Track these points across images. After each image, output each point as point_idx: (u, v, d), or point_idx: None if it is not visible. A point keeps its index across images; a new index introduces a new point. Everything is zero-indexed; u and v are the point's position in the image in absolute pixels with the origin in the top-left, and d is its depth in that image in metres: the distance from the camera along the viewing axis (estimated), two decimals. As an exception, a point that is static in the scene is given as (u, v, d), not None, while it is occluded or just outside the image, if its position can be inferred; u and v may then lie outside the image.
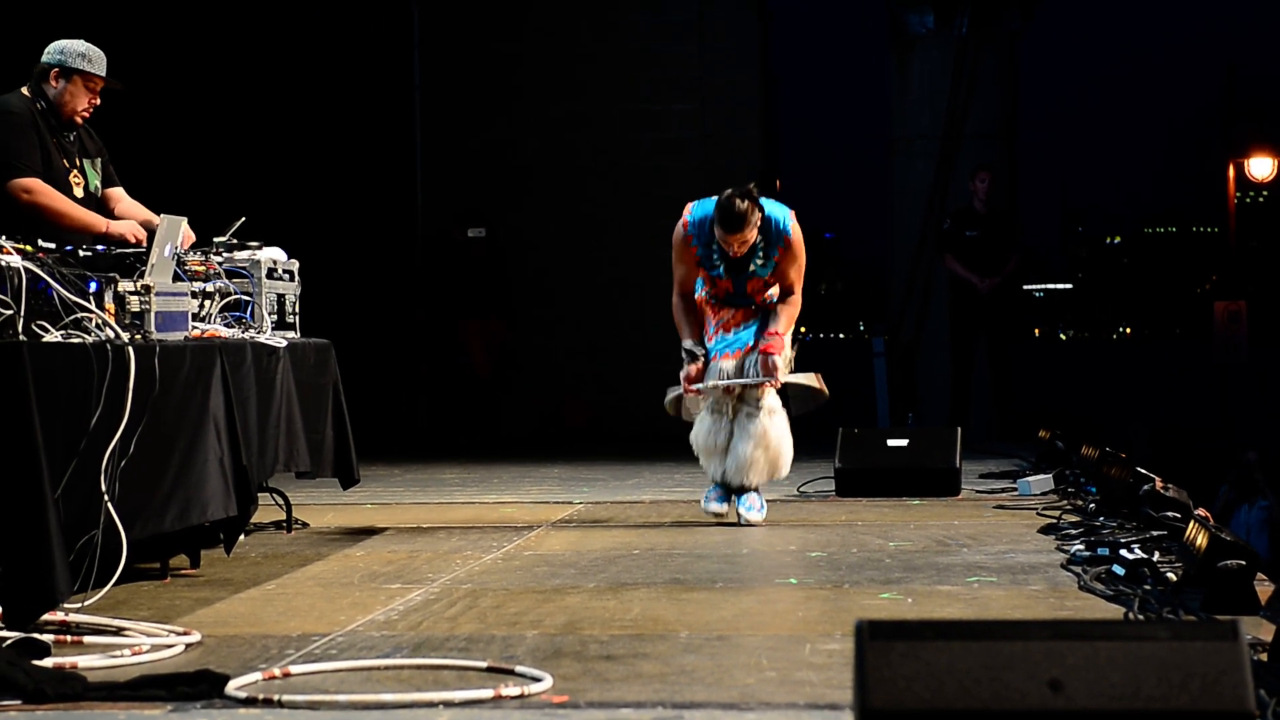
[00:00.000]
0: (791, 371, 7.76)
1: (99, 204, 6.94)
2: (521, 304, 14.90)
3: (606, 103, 15.22)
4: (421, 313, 14.92)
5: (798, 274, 7.62)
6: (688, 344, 7.66)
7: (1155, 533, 6.28)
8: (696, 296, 7.72)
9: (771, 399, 7.65)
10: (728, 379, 7.56)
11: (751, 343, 7.60)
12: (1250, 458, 13.77)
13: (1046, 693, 2.74)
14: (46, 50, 6.83)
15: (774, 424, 7.63)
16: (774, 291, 7.63)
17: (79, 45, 6.81)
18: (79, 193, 6.87)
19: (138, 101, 12.18)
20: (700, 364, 7.61)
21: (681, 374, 7.64)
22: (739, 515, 7.62)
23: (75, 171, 6.88)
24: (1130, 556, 5.62)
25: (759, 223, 7.37)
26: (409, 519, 7.98)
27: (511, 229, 14.91)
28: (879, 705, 2.76)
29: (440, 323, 14.72)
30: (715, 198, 7.44)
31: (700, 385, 7.60)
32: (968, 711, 2.75)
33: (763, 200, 7.46)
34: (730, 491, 7.68)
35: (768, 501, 7.81)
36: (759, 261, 7.51)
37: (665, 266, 14.77)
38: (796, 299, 7.67)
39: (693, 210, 7.56)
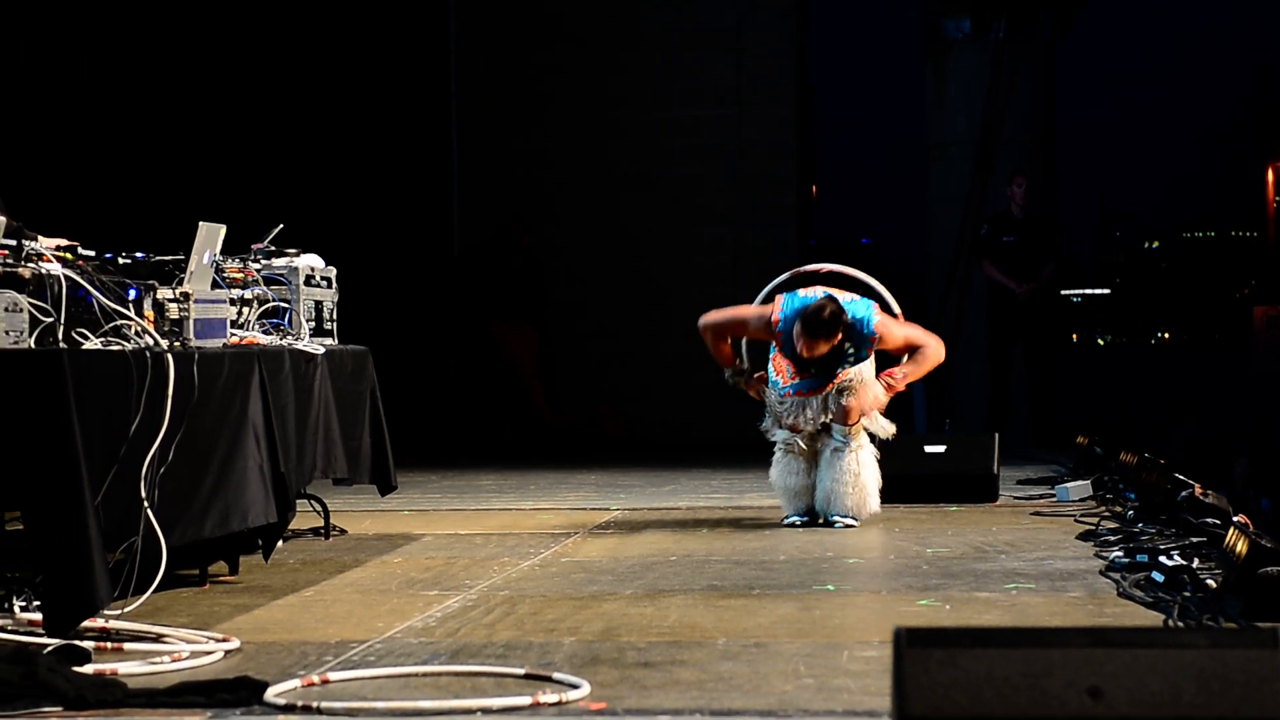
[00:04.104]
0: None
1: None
2: (555, 312, 14.92)
3: (642, 111, 15.23)
4: (459, 319, 14.94)
5: (913, 334, 7.71)
6: (729, 373, 7.78)
7: (1194, 539, 6.25)
8: (773, 356, 7.74)
9: (862, 436, 7.74)
10: (813, 417, 7.65)
11: (827, 381, 7.64)
12: (1241, 466, 13.65)
13: (1086, 700, 2.73)
14: None
15: (863, 461, 7.73)
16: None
17: None
18: None
19: (178, 109, 12.27)
20: (755, 382, 7.75)
21: (774, 411, 7.71)
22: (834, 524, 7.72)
23: None
24: (1169, 563, 5.60)
25: (838, 340, 7.45)
26: (446, 525, 7.99)
27: (546, 237, 14.93)
28: (917, 712, 2.76)
29: (478, 330, 14.75)
30: (805, 298, 7.50)
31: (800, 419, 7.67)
32: (1006, 718, 2.74)
33: (847, 302, 7.53)
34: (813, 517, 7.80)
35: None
36: (849, 363, 7.63)
37: (700, 274, 14.83)
38: (930, 351, 7.68)
39: (783, 305, 7.58)
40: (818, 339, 7.39)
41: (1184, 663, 2.74)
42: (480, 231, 15.04)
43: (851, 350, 7.57)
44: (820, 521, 7.72)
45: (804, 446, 7.75)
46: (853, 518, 7.67)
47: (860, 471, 7.69)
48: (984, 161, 14.81)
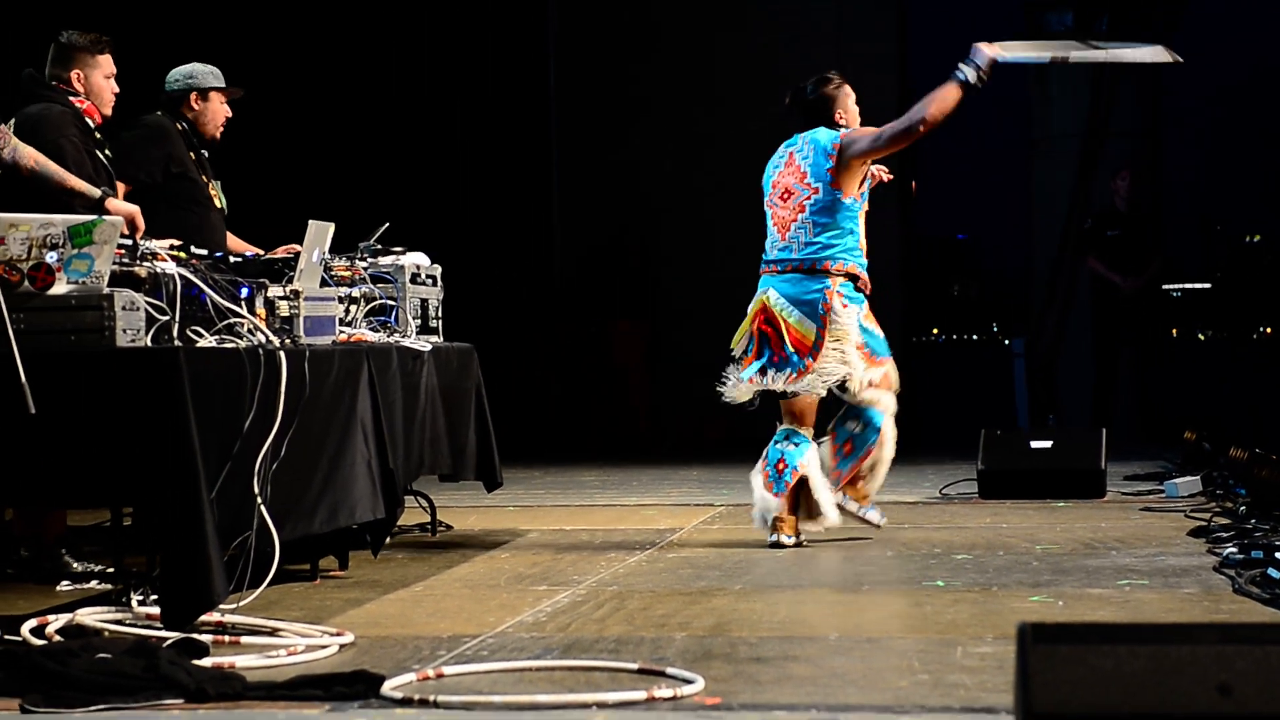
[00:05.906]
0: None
1: (227, 222, 7.16)
2: (658, 317, 14.93)
3: (741, 115, 15.15)
4: (568, 317, 14.95)
5: None
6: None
7: (1310, 536, 6.17)
8: (850, 267, 7.36)
9: None
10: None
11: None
12: None
13: (1215, 697, 2.70)
14: (171, 79, 7.04)
15: None
16: None
17: (203, 66, 7.10)
18: (219, 203, 7.08)
19: (290, 112, 12.40)
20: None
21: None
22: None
23: (213, 184, 7.12)
24: (1286, 560, 5.52)
25: None
26: (551, 521, 8.02)
27: (646, 242, 14.94)
28: (1043, 709, 2.73)
29: (596, 327, 14.76)
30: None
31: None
32: (1134, 715, 2.71)
33: None
34: None
35: (910, 503, 7.73)
36: None
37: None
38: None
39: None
40: None
41: (1315, 659, 2.70)
42: (581, 226, 15.07)
43: None
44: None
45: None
46: None
47: None
48: (1088, 156, 14.68)
